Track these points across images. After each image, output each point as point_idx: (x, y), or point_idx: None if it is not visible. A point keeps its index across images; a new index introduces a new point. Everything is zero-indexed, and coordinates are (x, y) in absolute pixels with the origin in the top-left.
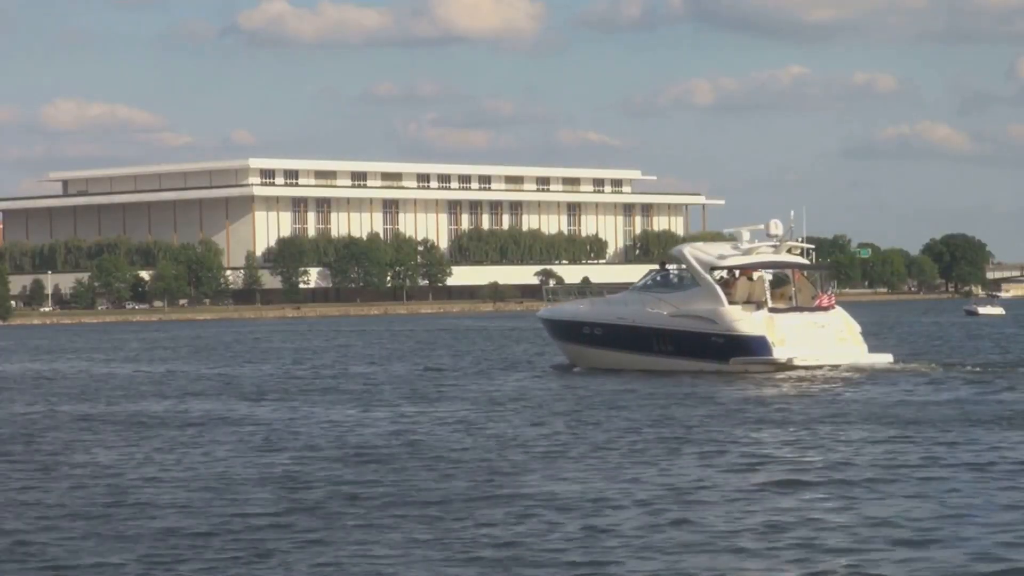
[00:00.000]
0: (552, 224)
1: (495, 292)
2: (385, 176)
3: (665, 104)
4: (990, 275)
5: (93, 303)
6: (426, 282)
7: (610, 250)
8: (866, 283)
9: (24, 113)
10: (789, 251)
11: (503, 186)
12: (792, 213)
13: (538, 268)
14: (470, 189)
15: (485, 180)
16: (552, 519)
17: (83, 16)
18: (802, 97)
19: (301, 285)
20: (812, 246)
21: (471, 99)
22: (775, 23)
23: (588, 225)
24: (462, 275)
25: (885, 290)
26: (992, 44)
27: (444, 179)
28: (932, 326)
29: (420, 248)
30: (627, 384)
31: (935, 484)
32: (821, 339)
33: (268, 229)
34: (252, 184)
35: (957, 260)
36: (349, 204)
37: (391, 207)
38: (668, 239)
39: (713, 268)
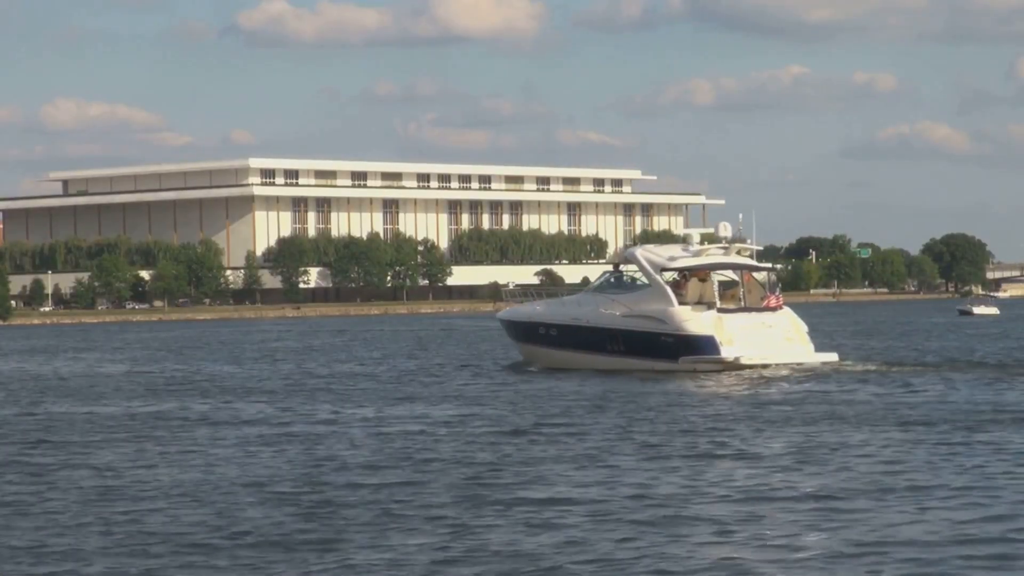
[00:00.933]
0: (552, 224)
1: (495, 292)
2: (385, 176)
3: (665, 104)
4: (990, 275)
5: (93, 303)
6: (426, 282)
7: (610, 250)
8: (866, 283)
9: (24, 113)
10: (739, 253)
11: (503, 186)
12: (741, 216)
13: (538, 268)
14: (470, 189)
15: (485, 180)
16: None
17: (83, 16)
18: (802, 97)
19: (301, 285)
20: (760, 247)
21: (471, 99)
22: (775, 23)
23: (588, 225)
24: (462, 275)
25: (885, 290)
26: (992, 44)
27: (444, 179)
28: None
29: (420, 248)
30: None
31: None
32: (769, 339)
33: (268, 229)
34: (252, 184)
35: (957, 260)
36: (349, 204)
37: (391, 207)
38: (668, 239)
39: (664, 269)
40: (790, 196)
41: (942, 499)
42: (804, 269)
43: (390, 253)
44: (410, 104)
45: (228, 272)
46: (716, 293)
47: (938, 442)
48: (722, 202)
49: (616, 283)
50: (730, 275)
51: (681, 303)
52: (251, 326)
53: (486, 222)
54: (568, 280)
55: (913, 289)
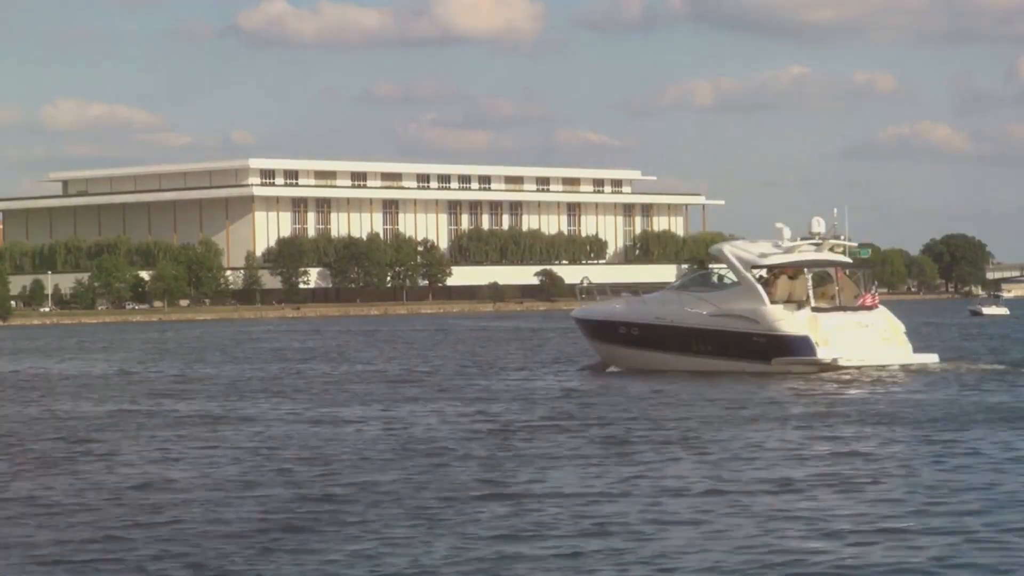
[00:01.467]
0: (552, 224)
1: (495, 292)
2: (385, 176)
3: (665, 104)
4: (990, 275)
5: (93, 303)
6: (426, 282)
7: (610, 250)
8: None
9: (24, 113)
10: (831, 249)
11: (503, 186)
12: (835, 211)
13: (538, 268)
14: (470, 189)
15: (485, 180)
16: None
17: (83, 16)
18: (802, 97)
19: (301, 285)
20: (854, 244)
21: (471, 99)
22: (775, 23)
23: (588, 225)
24: (462, 275)
25: (885, 290)
26: (992, 44)
27: (444, 179)
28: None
29: (420, 248)
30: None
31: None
32: (865, 339)
33: (268, 229)
34: (252, 184)
35: (957, 260)
36: (349, 204)
37: (391, 207)
38: (668, 239)
39: (754, 266)
40: (790, 196)
41: None
42: None
43: (390, 253)
44: (410, 104)
45: (228, 272)
46: (809, 291)
47: None
48: (722, 202)
49: (702, 280)
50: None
51: (771, 302)
52: (244, 326)
53: (486, 222)
54: (568, 280)
55: (913, 290)
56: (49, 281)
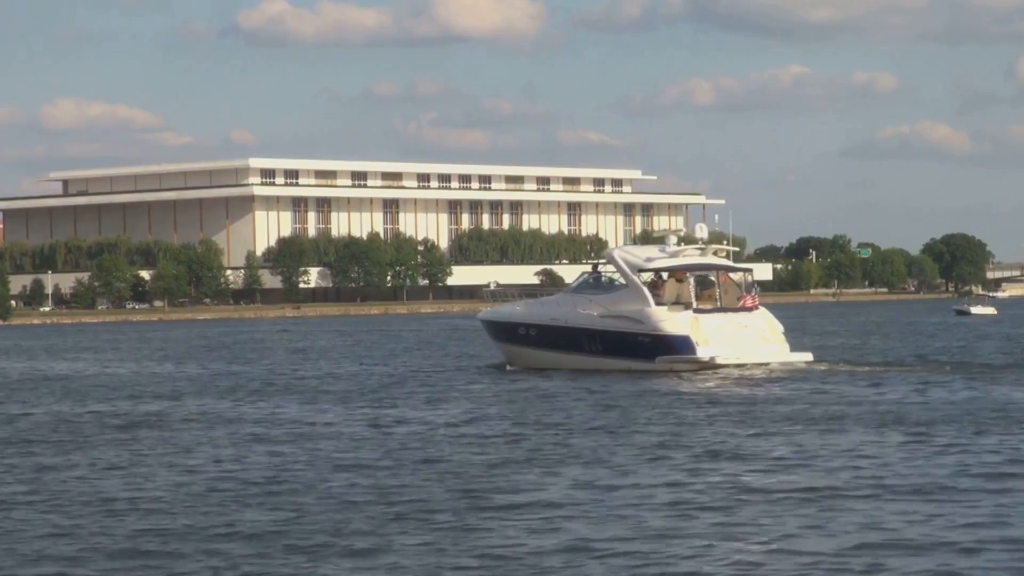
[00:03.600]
0: (552, 224)
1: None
2: (385, 176)
3: (665, 104)
4: (990, 275)
5: (93, 303)
6: (426, 282)
7: None
8: (866, 283)
9: (24, 113)
10: (715, 254)
11: (503, 186)
12: (716, 217)
13: (538, 268)
14: (470, 189)
15: (485, 180)
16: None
17: (83, 16)
18: (802, 97)
19: (301, 285)
20: (736, 248)
21: (471, 99)
22: (775, 23)
23: (588, 225)
24: (462, 275)
25: (885, 290)
26: (992, 44)
27: (444, 179)
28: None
29: (420, 248)
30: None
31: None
32: (744, 338)
33: (268, 229)
34: (252, 184)
35: (957, 260)
36: (349, 204)
37: (391, 207)
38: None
39: (641, 270)
40: (790, 196)
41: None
42: (804, 269)
43: (390, 253)
44: (410, 104)
45: (228, 272)
46: (693, 294)
47: (911, 441)
48: (722, 202)
49: (594, 283)
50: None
51: (659, 303)
52: (239, 326)
53: (486, 222)
54: (568, 280)
55: (913, 289)
56: (49, 281)
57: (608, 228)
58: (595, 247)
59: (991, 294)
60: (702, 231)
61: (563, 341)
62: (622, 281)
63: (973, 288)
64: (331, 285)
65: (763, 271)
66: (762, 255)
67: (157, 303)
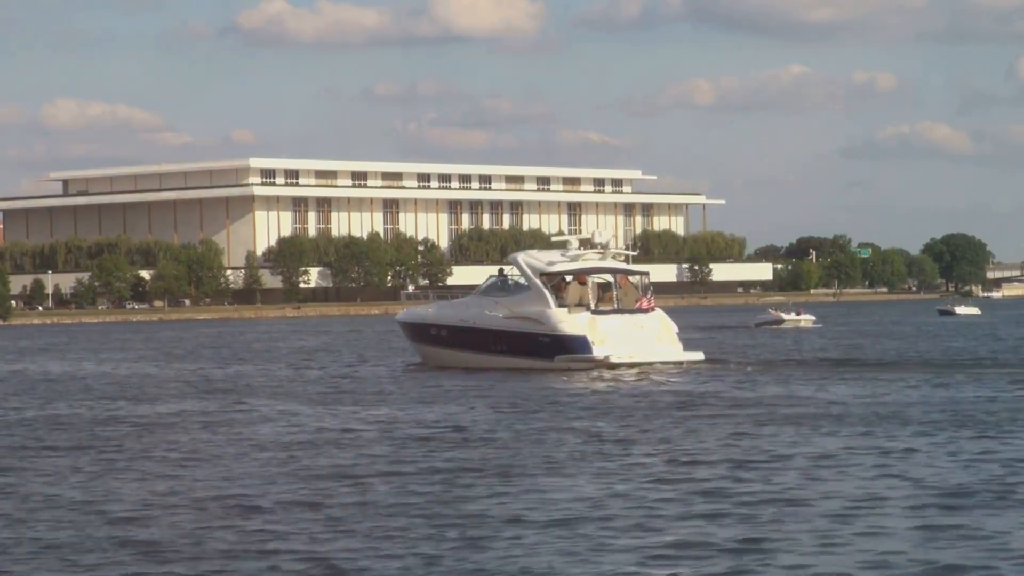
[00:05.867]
0: (552, 224)
1: None
2: (385, 176)
3: (665, 104)
4: (990, 275)
5: (94, 303)
6: (426, 282)
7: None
8: (866, 283)
9: (24, 113)
10: (614, 258)
11: (503, 186)
12: (603, 228)
13: None
14: (470, 189)
15: (485, 180)
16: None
17: (83, 16)
18: (802, 97)
19: (301, 285)
20: (634, 253)
21: (471, 99)
22: (775, 23)
23: (588, 225)
24: (463, 275)
25: (885, 290)
26: (992, 44)
27: (444, 179)
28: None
29: (420, 248)
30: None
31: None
32: (639, 338)
33: (268, 229)
34: (252, 184)
35: (957, 260)
36: (349, 204)
37: (391, 207)
38: (669, 239)
39: (542, 273)
40: (790, 196)
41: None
42: (804, 269)
43: (390, 253)
44: (410, 104)
45: (228, 272)
46: (592, 296)
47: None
48: (722, 202)
49: (501, 286)
50: (607, 278)
51: (562, 305)
52: (233, 326)
53: (486, 222)
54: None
55: (913, 289)
56: (49, 281)
57: (608, 228)
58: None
59: (985, 294)
60: (600, 236)
61: (471, 341)
62: (525, 284)
63: (973, 288)
64: (331, 285)
65: (763, 271)
66: (762, 255)
67: (157, 303)
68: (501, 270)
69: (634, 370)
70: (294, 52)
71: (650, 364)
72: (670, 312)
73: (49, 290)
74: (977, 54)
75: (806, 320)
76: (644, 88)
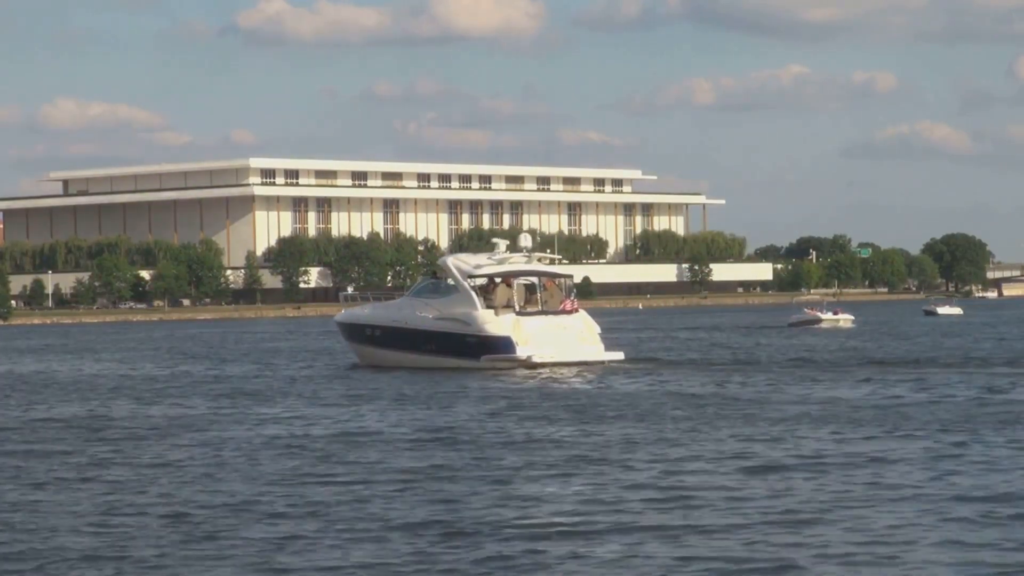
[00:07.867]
0: (552, 224)
1: None
2: (385, 176)
3: (665, 104)
4: (990, 275)
5: (94, 303)
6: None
7: (611, 250)
8: (866, 283)
9: (24, 113)
10: (539, 260)
11: (503, 186)
12: (533, 232)
13: None
14: (470, 189)
15: (485, 180)
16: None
17: (83, 16)
18: (802, 97)
19: (301, 285)
20: (560, 256)
21: (471, 99)
22: (775, 23)
23: (588, 225)
24: None
25: (885, 290)
26: (992, 44)
27: (444, 179)
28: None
29: (420, 248)
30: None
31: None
32: (562, 339)
33: (268, 229)
34: (252, 184)
35: (957, 260)
36: (349, 204)
37: (391, 207)
38: (668, 239)
39: (470, 276)
40: (790, 196)
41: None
42: (804, 269)
43: (390, 253)
44: (410, 104)
45: (228, 272)
46: (517, 298)
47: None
48: (722, 202)
49: (432, 288)
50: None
51: (490, 307)
52: (224, 326)
53: (486, 222)
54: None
55: (913, 289)
56: (49, 281)
57: (608, 228)
58: (595, 247)
59: (980, 295)
60: (527, 240)
61: (403, 341)
62: (455, 286)
63: (973, 288)
64: (331, 285)
65: (763, 271)
66: (762, 255)
67: (157, 303)
68: (434, 272)
69: (547, 369)
70: (294, 52)
71: (571, 364)
72: (670, 311)
73: (49, 290)
74: (977, 54)
75: (845, 320)
76: (644, 88)
